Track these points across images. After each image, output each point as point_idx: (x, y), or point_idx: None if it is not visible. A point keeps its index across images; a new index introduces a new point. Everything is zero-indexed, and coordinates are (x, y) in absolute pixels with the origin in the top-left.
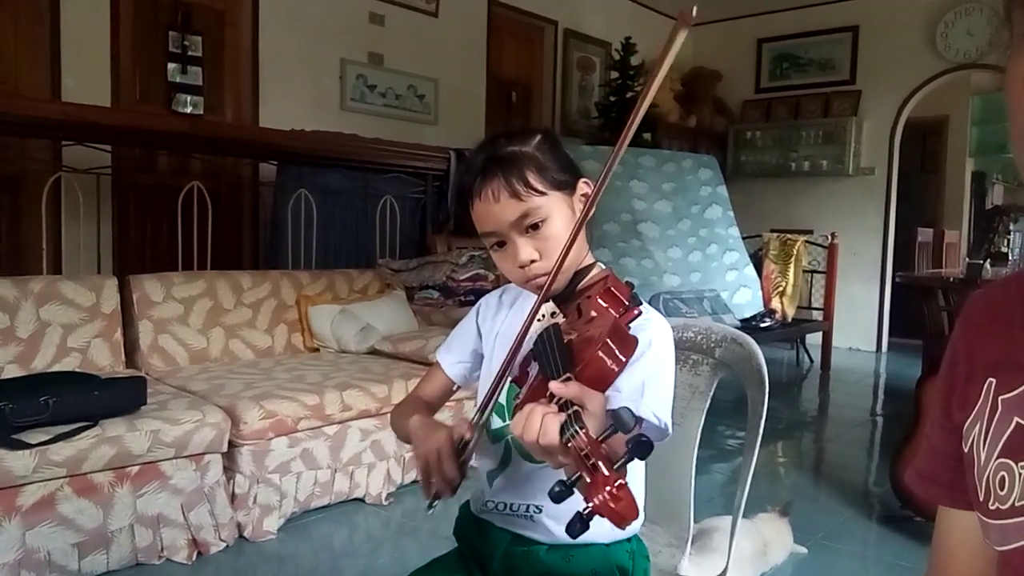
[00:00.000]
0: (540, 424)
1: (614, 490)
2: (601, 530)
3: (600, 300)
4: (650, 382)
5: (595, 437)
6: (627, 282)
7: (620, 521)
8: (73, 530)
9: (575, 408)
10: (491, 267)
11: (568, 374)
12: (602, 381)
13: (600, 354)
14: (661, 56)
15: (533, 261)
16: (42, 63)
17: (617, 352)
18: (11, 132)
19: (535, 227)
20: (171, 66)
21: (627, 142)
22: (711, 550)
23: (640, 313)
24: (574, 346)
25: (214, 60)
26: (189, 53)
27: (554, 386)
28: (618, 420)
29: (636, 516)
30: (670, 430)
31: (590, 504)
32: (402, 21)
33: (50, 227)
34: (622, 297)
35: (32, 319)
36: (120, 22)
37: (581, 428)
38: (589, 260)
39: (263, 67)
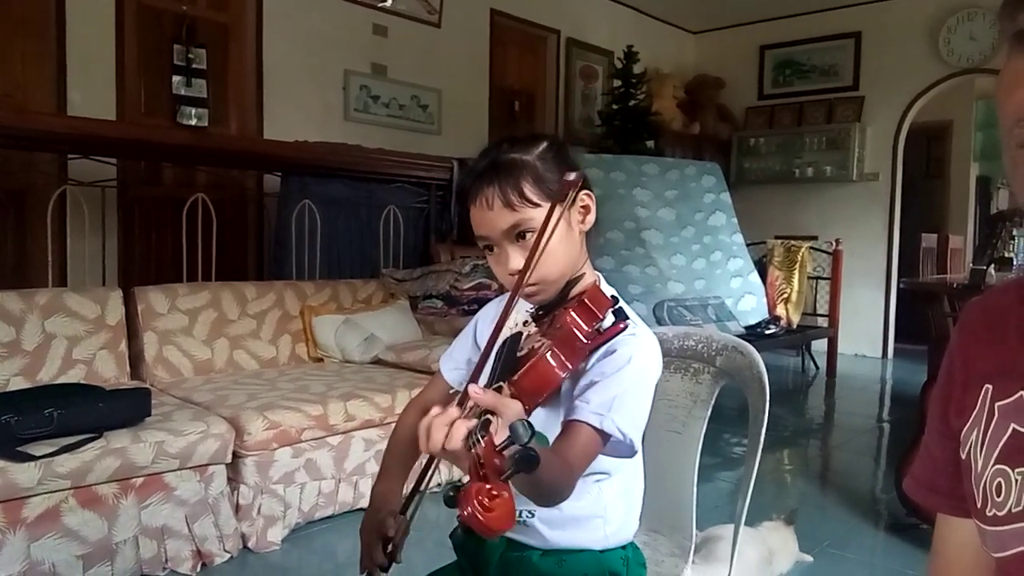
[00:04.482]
0: (448, 430)
1: (485, 500)
2: (594, 536)
3: (572, 312)
4: (622, 397)
5: (495, 446)
6: (612, 296)
7: (485, 531)
8: (78, 542)
9: (487, 416)
10: (494, 276)
11: (501, 383)
12: (541, 389)
13: (540, 363)
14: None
15: None
16: (48, 77)
17: (561, 360)
18: (17, 146)
19: (527, 236)
20: (176, 79)
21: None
22: (715, 559)
23: (625, 327)
24: (525, 355)
25: (218, 72)
26: (194, 66)
27: (472, 390)
28: (513, 432)
29: (506, 527)
30: (637, 447)
31: (462, 512)
32: (405, 32)
33: (55, 240)
34: (596, 310)
35: (37, 331)
36: (125, 36)
37: (484, 436)
38: (585, 270)
39: (267, 79)
